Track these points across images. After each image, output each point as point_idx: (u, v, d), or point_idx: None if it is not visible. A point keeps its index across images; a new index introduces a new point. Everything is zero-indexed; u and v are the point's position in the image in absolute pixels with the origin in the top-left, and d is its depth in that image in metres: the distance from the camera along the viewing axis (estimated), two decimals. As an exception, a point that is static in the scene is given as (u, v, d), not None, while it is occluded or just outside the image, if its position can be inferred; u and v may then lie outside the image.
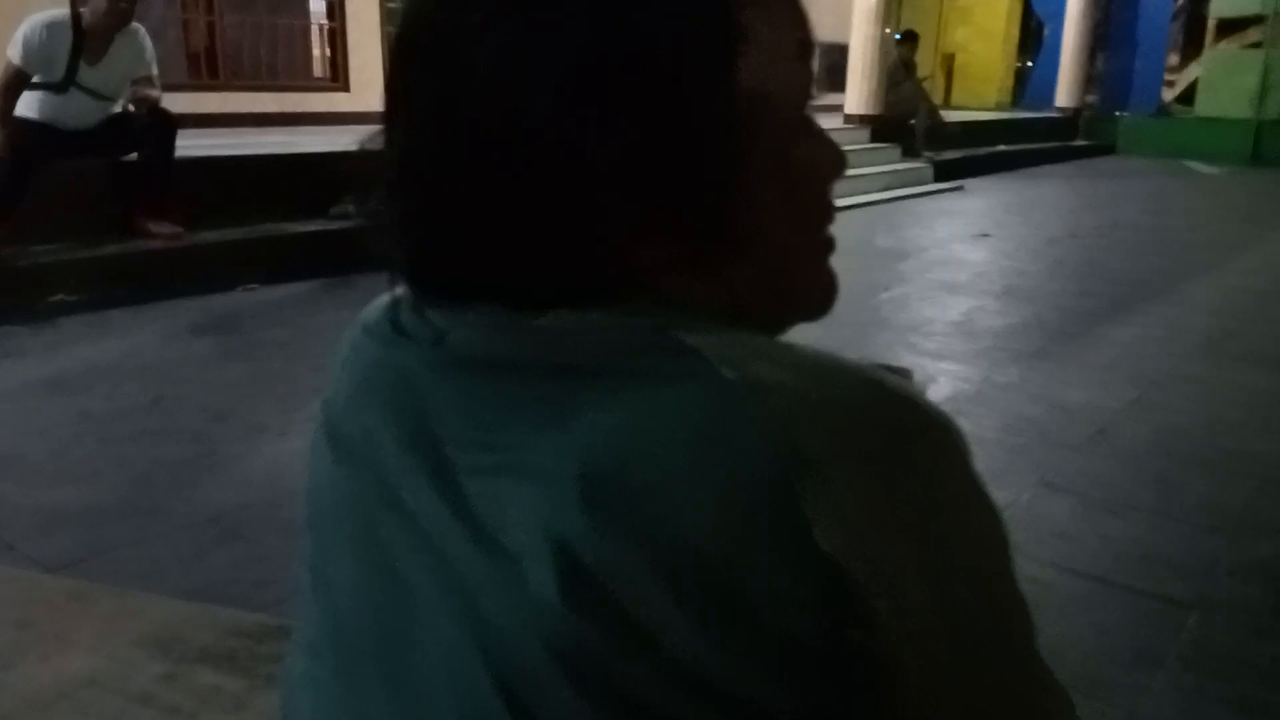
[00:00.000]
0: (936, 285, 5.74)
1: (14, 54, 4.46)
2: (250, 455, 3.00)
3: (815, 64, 0.50)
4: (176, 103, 5.09)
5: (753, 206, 0.47)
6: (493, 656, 0.42)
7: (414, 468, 0.47)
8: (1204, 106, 14.17)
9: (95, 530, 2.51)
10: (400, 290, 0.51)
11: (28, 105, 4.58)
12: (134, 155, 4.90)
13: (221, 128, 6.79)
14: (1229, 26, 14.00)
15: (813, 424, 0.40)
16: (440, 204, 0.47)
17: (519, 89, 0.44)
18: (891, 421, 0.42)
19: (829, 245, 0.55)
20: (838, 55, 11.24)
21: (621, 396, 0.42)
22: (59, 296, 4.33)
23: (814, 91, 0.51)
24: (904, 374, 0.80)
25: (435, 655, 0.44)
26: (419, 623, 0.45)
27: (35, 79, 4.54)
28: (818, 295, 0.54)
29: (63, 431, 3.13)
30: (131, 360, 3.86)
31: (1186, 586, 2.43)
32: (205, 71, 8.14)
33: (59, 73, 4.55)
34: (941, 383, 3.91)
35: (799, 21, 0.50)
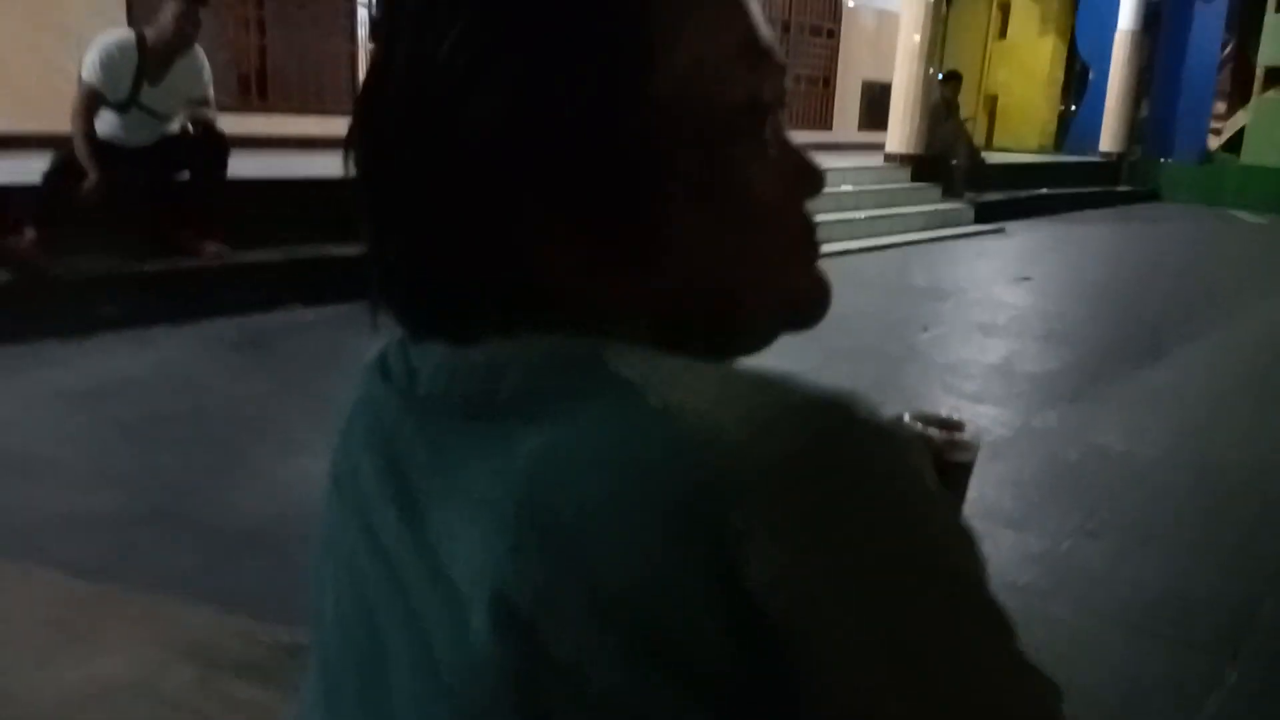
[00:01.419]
0: (975, 327, 5.69)
1: (89, 75, 4.57)
2: (283, 469, 3.02)
3: (772, 64, 0.48)
4: (225, 124, 5.18)
5: (679, 213, 0.46)
6: (453, 703, 0.41)
7: (386, 501, 0.47)
8: (1250, 155, 14.02)
9: (127, 536, 2.53)
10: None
11: (99, 123, 4.69)
12: (185, 174, 4.99)
13: (268, 149, 6.90)
14: (1277, 75, 13.89)
15: (736, 452, 0.38)
16: (384, 227, 0.48)
17: (432, 90, 0.44)
18: (821, 444, 0.39)
19: (806, 254, 0.53)
20: (880, 93, 11.26)
21: (549, 428, 0.41)
22: (102, 310, 4.40)
23: (768, 94, 0.48)
24: (956, 425, 0.76)
25: (405, 701, 0.44)
26: (391, 664, 0.45)
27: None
28: (796, 304, 0.52)
29: (97, 439, 3.17)
30: (168, 373, 3.91)
31: (1225, 635, 2.38)
32: (255, 93, 8.29)
33: (123, 92, 4.65)
34: (980, 425, 3.87)
35: (740, 22, 0.47)
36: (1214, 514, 3.13)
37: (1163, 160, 14.88)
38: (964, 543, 0.42)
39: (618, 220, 0.45)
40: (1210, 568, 2.75)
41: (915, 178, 10.14)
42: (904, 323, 5.77)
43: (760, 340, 0.52)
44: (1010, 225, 10.27)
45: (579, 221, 0.45)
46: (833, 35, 13.04)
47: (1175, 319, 6.25)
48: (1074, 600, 2.53)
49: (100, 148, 4.60)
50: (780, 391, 0.41)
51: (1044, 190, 12.00)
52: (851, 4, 13.03)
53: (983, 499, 3.16)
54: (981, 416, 3.99)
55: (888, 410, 0.80)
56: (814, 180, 0.52)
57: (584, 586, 0.38)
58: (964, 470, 0.75)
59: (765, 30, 0.48)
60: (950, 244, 8.98)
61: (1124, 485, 3.30)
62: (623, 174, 0.45)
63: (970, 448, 0.74)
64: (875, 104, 12.23)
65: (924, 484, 0.41)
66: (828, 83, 13.16)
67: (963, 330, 5.59)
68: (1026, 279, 7.34)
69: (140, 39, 4.67)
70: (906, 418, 0.76)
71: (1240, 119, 15.06)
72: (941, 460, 0.74)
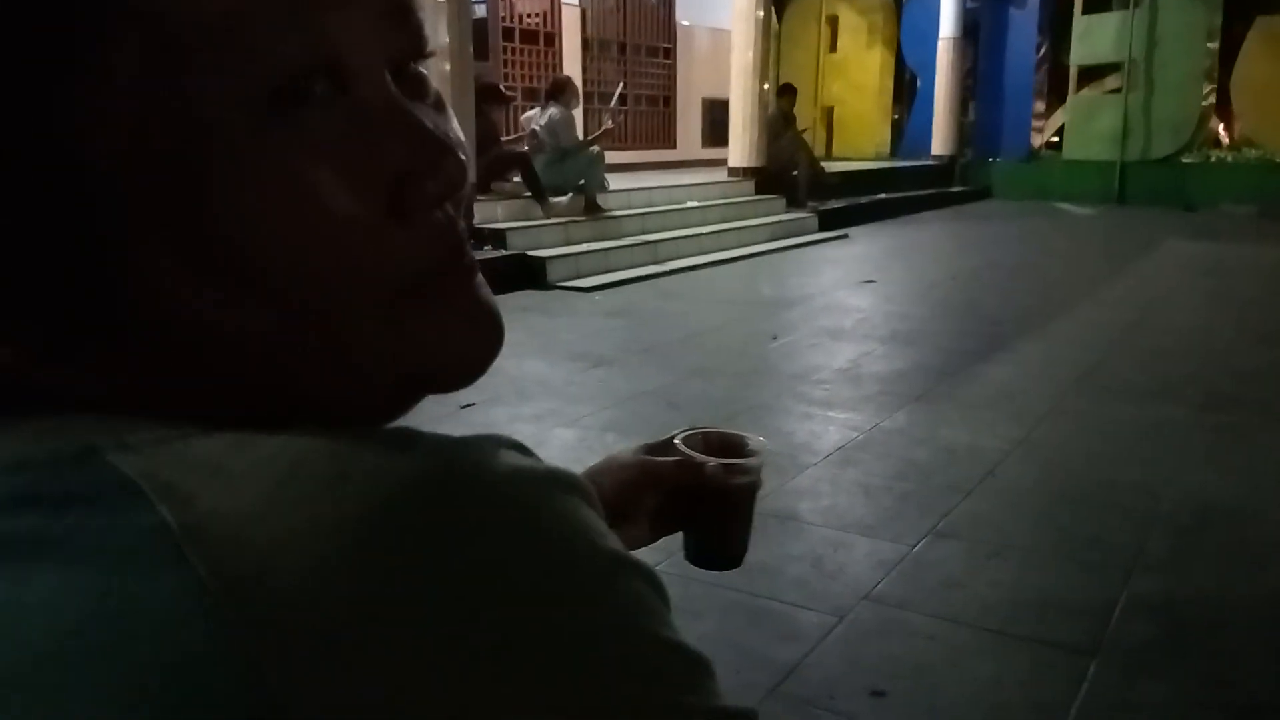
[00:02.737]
0: (823, 332, 5.71)
1: None
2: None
3: (249, 49, 0.30)
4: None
5: (142, 275, 0.31)
6: None
7: None
8: (1071, 150, 14.77)
9: None
10: None
11: None
12: None
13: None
14: (1089, 74, 14.68)
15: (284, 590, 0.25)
16: None
17: None
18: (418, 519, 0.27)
19: (376, 303, 0.34)
20: (720, 110, 11.38)
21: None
22: None
23: (264, 84, 0.31)
24: (738, 443, 0.73)
25: None
26: None
27: None
28: (442, 355, 0.36)
29: None
30: None
31: (1083, 631, 2.34)
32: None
33: None
34: (831, 431, 3.83)
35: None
36: (1062, 507, 3.14)
37: (992, 160, 15.54)
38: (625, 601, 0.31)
39: (77, 277, 0.31)
40: (1064, 562, 2.73)
41: (759, 190, 10.29)
42: (754, 333, 5.75)
43: (378, 415, 0.36)
44: (853, 231, 10.50)
45: (19, 288, 0.31)
46: (669, 55, 13.15)
47: (1013, 312, 6.42)
48: (931, 607, 2.46)
49: None
50: (373, 468, 0.28)
51: (883, 195, 12.35)
52: (686, 23, 13.17)
53: (835, 506, 3.09)
54: (832, 421, 3.95)
55: (672, 429, 0.71)
56: (433, 153, 0.34)
57: None
58: (744, 492, 0.72)
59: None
60: (796, 253, 9.08)
61: (972, 483, 3.28)
62: (62, 210, 0.30)
63: (748, 469, 0.71)
64: (717, 121, 12.36)
65: (578, 563, 0.30)
66: (668, 102, 13.25)
67: (811, 337, 5.60)
68: (870, 282, 7.46)
69: None
70: (678, 440, 0.72)
71: (1059, 117, 15.85)
72: (716, 485, 0.70)
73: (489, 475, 0.29)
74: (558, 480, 0.31)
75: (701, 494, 0.70)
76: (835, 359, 5.07)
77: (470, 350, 0.37)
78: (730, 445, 0.73)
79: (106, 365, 0.32)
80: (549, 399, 4.19)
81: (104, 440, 0.28)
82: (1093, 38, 14.09)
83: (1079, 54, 14.37)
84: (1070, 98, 14.86)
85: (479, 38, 9.46)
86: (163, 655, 0.25)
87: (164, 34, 0.29)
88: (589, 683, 0.29)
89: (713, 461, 0.70)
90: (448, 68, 6.60)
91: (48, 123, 0.29)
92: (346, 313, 0.33)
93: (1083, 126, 14.46)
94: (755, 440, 0.73)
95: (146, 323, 0.31)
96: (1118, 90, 14.11)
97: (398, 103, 0.34)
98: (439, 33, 6.61)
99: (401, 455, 0.29)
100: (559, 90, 8.18)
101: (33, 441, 0.30)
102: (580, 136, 8.46)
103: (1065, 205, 13.76)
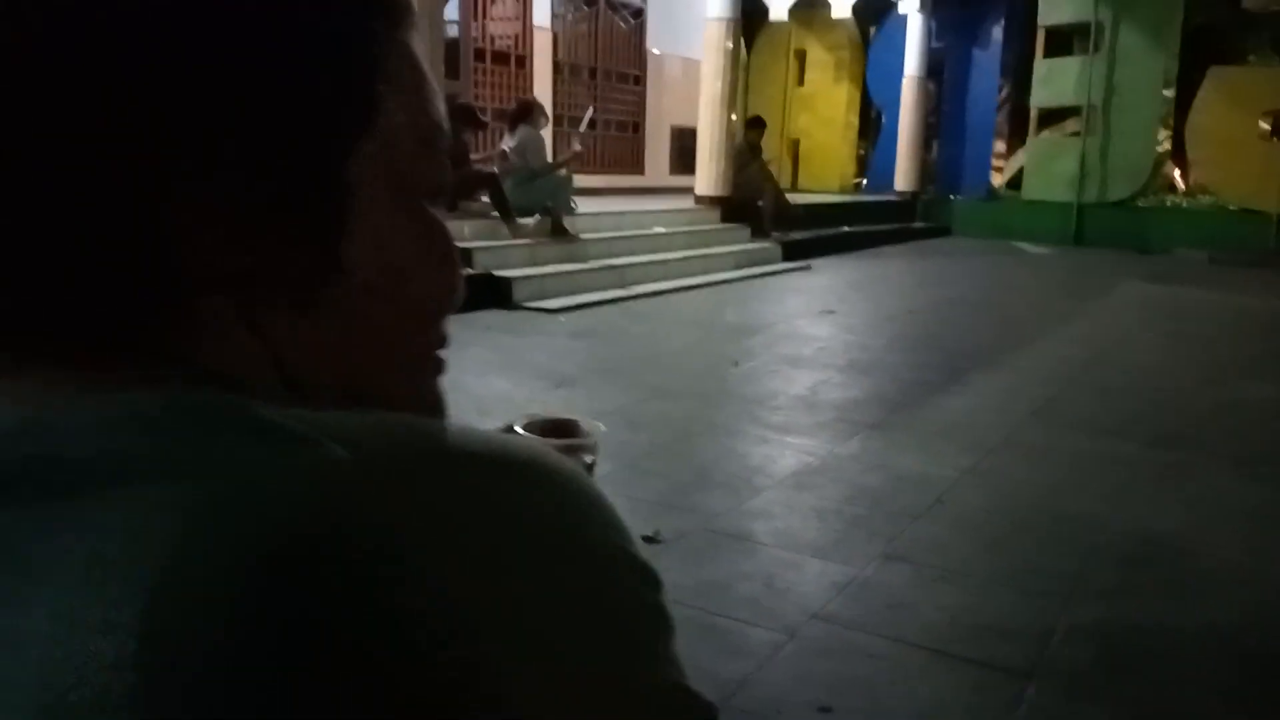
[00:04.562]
0: (782, 359, 5.79)
1: None
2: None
3: (444, 157, 0.46)
4: None
5: (344, 285, 0.41)
6: None
7: None
8: (1030, 191, 15.06)
9: None
10: None
11: None
12: None
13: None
14: (1049, 117, 15.00)
15: (441, 514, 0.34)
16: None
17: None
18: (497, 491, 0.36)
19: (436, 363, 0.48)
20: (689, 138, 11.50)
21: (171, 505, 0.31)
22: None
23: (443, 184, 0.46)
24: (570, 426, 0.78)
25: None
26: None
27: None
28: (417, 410, 0.46)
29: None
30: None
31: (1023, 655, 2.41)
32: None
33: None
34: (787, 456, 3.90)
35: (436, 109, 0.45)
36: (1008, 534, 3.21)
37: (953, 198, 15.80)
38: (635, 591, 0.39)
39: (293, 263, 0.39)
40: (1007, 588, 2.80)
41: (725, 219, 10.39)
42: (715, 358, 5.82)
43: None
44: (816, 262, 10.63)
45: (248, 250, 0.38)
46: (639, 82, 13.28)
47: (970, 347, 6.54)
48: (878, 627, 2.52)
49: None
50: (409, 432, 0.37)
51: (846, 228, 12.52)
52: (656, 51, 13.31)
53: (789, 529, 3.15)
54: (788, 446, 4.02)
55: (487, 422, 0.76)
56: (450, 292, 0.47)
57: None
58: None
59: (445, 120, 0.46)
60: (760, 281, 9.19)
61: (923, 509, 3.36)
62: (318, 215, 0.40)
63: (585, 449, 0.77)
64: (685, 149, 12.48)
65: (606, 537, 0.38)
66: (637, 128, 13.37)
67: (771, 364, 5.68)
68: (831, 313, 7.56)
69: None
70: (518, 427, 0.77)
71: (1019, 158, 16.16)
72: None
73: (548, 460, 0.38)
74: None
75: None
76: (794, 386, 5.14)
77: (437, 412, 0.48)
78: (566, 430, 0.78)
79: (269, 338, 0.40)
80: (511, 416, 4.22)
81: (248, 400, 0.35)
82: (1053, 81, 14.41)
83: (1039, 97, 14.68)
84: (1030, 139, 15.16)
85: (450, 57, 9.53)
86: (346, 549, 0.31)
87: (419, 129, 0.43)
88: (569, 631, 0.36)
89: (554, 443, 0.74)
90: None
91: (340, 153, 0.40)
92: (411, 360, 0.46)
93: (1042, 168, 14.76)
94: (588, 423, 0.78)
95: (318, 303, 0.40)
96: (1077, 134, 14.43)
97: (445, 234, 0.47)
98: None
99: (493, 437, 0.38)
100: (525, 111, 8.24)
101: (180, 396, 0.35)
102: (549, 159, 8.52)
103: (1024, 244, 14.01)
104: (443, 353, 0.48)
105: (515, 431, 0.76)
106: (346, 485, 0.32)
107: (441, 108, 0.46)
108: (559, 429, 0.78)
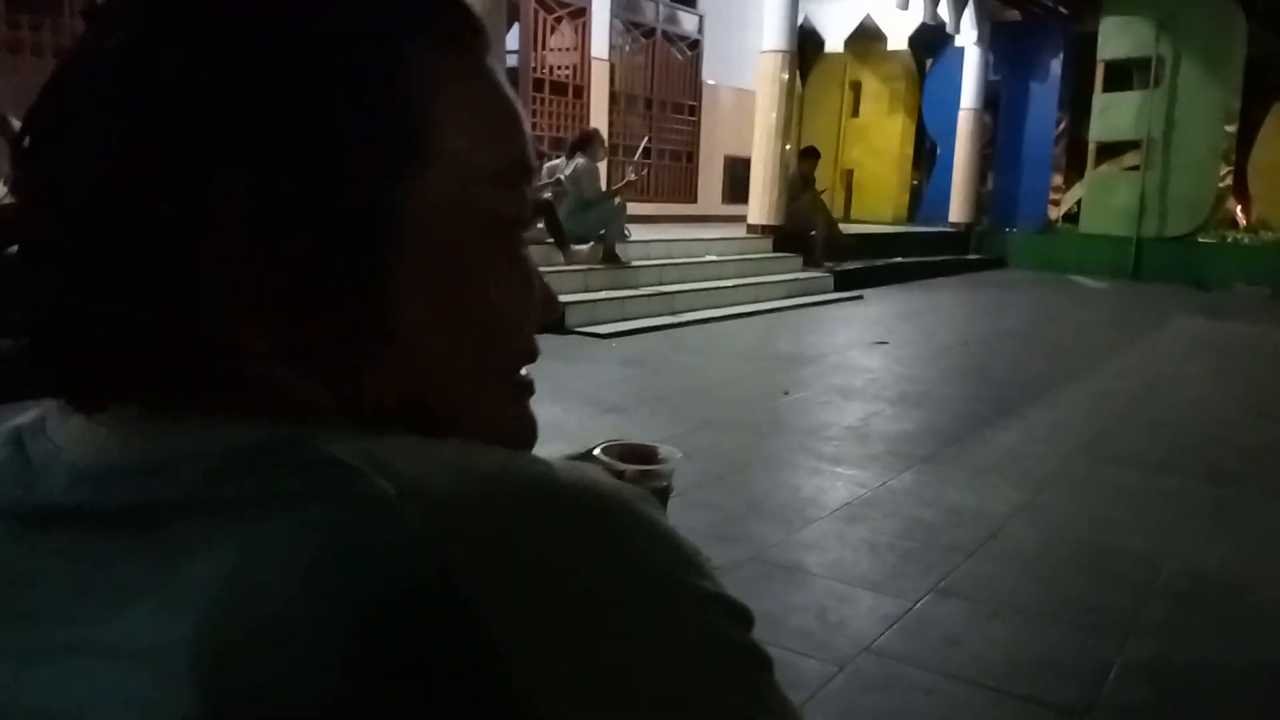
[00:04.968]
0: (834, 390, 5.79)
1: None
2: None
3: (526, 188, 0.46)
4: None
5: (409, 310, 0.41)
6: None
7: None
8: (1087, 224, 14.90)
9: None
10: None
11: None
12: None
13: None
14: (1108, 150, 14.86)
15: (476, 538, 0.34)
16: (42, 259, 0.39)
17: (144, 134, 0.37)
18: (569, 524, 0.36)
19: (519, 386, 0.48)
20: (741, 168, 11.56)
21: (237, 535, 0.34)
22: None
23: (523, 216, 0.46)
24: (648, 452, 0.79)
25: None
26: None
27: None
28: (502, 437, 0.45)
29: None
30: None
31: (1078, 692, 2.39)
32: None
33: None
34: (839, 487, 3.90)
35: (516, 139, 0.45)
36: (1061, 570, 3.19)
37: (1008, 230, 15.68)
38: (716, 620, 0.40)
39: (343, 304, 0.39)
40: (1061, 624, 2.79)
41: (776, 248, 10.41)
42: (766, 388, 5.83)
43: None
44: (868, 292, 10.60)
45: (293, 296, 0.38)
46: (694, 112, 13.36)
47: (1022, 379, 6.49)
48: (930, 662, 2.52)
49: None
50: (505, 465, 0.38)
51: (899, 259, 12.47)
52: (711, 82, 13.41)
53: (841, 561, 3.16)
54: (840, 477, 4.02)
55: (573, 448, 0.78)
56: (551, 307, 0.49)
57: None
58: (657, 496, 0.77)
59: (532, 151, 0.46)
60: (811, 311, 9.19)
61: (976, 544, 3.34)
62: (362, 257, 0.39)
63: (662, 475, 0.77)
64: (737, 178, 12.53)
65: (676, 564, 0.39)
66: (690, 157, 13.44)
67: (822, 394, 5.68)
68: (883, 343, 7.54)
69: None
70: (598, 452, 0.78)
71: (1077, 191, 16.01)
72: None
73: (622, 493, 0.40)
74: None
75: None
76: (845, 417, 5.14)
77: (529, 443, 0.49)
78: (644, 455, 0.78)
79: (319, 368, 0.40)
80: (561, 443, 4.23)
81: (311, 434, 0.36)
82: (1112, 115, 14.28)
83: (1098, 130, 14.55)
84: (1088, 173, 15.02)
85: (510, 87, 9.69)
86: (388, 575, 0.32)
87: (491, 159, 0.43)
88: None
89: (632, 469, 0.75)
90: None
91: (392, 190, 0.40)
92: (500, 387, 0.47)
93: (1100, 201, 14.61)
94: (666, 450, 0.79)
95: (378, 339, 0.41)
96: (1136, 167, 14.27)
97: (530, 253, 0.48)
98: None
99: (541, 462, 0.38)
100: (585, 142, 8.36)
101: (249, 433, 0.37)
102: (604, 187, 8.62)
103: (1080, 278, 13.86)
104: (528, 375, 0.48)
105: (594, 456, 0.77)
106: (392, 524, 0.33)
107: (525, 137, 0.45)
108: (637, 455, 0.78)
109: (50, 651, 0.35)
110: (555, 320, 0.50)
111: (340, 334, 0.40)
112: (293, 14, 0.38)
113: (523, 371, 0.48)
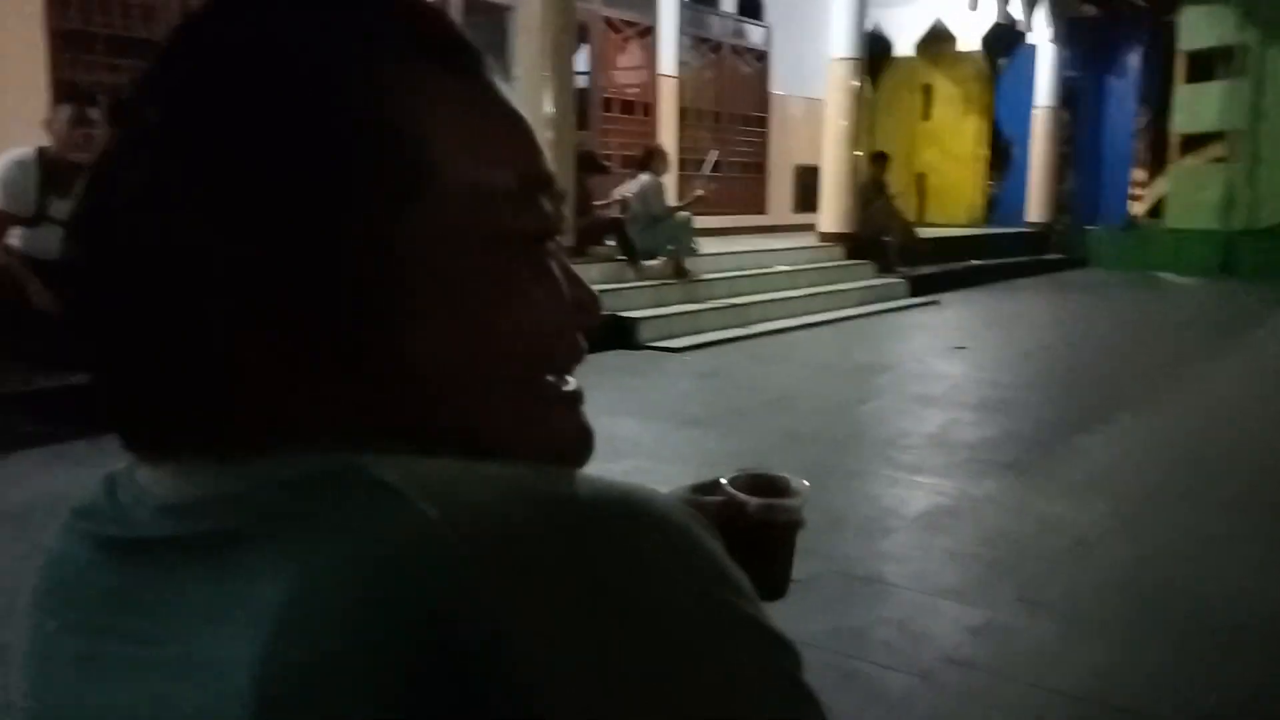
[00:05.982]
0: (913, 398, 5.72)
1: None
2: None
3: (545, 200, 0.46)
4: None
5: (431, 338, 0.42)
6: None
7: (71, 671, 0.42)
8: (1172, 219, 14.48)
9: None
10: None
11: (12, 239, 4.64)
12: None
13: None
14: (1192, 142, 14.43)
15: (509, 560, 0.35)
16: (98, 330, 0.42)
17: (171, 189, 0.40)
18: (614, 550, 0.37)
19: (566, 398, 0.48)
20: (811, 176, 11.49)
21: (294, 560, 0.36)
22: (24, 428, 4.25)
23: (546, 227, 0.46)
24: (780, 484, 0.77)
25: None
26: None
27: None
28: (553, 449, 0.47)
29: (16, 567, 3.02)
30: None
31: (1170, 710, 2.33)
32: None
33: (30, 208, 4.59)
34: (919, 496, 3.85)
35: (525, 152, 0.45)
36: (1158, 585, 3.10)
37: (1089, 228, 15.31)
38: (769, 652, 0.40)
39: (365, 354, 0.41)
40: (1150, 642, 2.71)
41: (849, 256, 10.32)
42: (843, 397, 5.78)
43: None
44: (944, 297, 10.44)
45: (315, 350, 0.41)
46: (762, 123, 13.32)
47: (1109, 385, 6.33)
48: (1014, 673, 2.47)
49: (27, 260, 4.54)
50: (547, 488, 0.39)
51: (976, 262, 12.25)
52: (779, 93, 13.37)
53: (923, 571, 3.12)
54: (920, 486, 3.97)
55: (728, 471, 0.78)
56: (589, 310, 0.49)
57: None
58: (784, 530, 0.76)
59: (547, 159, 0.47)
60: (887, 318, 9.09)
61: (1064, 555, 3.27)
62: (367, 295, 0.41)
63: (790, 509, 0.75)
64: (807, 187, 12.46)
65: (726, 594, 0.39)
66: (760, 168, 13.41)
67: (901, 402, 5.61)
68: (961, 349, 7.42)
69: (41, 152, 4.64)
70: (723, 481, 0.76)
71: (1161, 185, 15.57)
72: (759, 523, 0.74)
73: (659, 510, 0.39)
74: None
75: (745, 531, 0.73)
76: (925, 425, 5.07)
77: (586, 452, 0.49)
78: (773, 487, 0.76)
79: (355, 404, 0.42)
80: (640, 458, 4.28)
81: (362, 458, 0.38)
82: (1195, 107, 13.88)
83: (1181, 123, 14.17)
84: (1172, 166, 14.61)
85: (580, 107, 9.79)
86: (425, 603, 0.34)
87: (502, 173, 0.44)
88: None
89: (755, 501, 0.74)
90: (551, 136, 6.86)
91: (399, 220, 0.41)
92: (544, 401, 0.47)
93: (1186, 195, 14.20)
94: (796, 482, 0.77)
95: (404, 376, 0.42)
96: (1222, 159, 13.83)
97: (564, 256, 0.49)
98: (544, 103, 6.89)
99: (582, 481, 0.39)
100: (649, 158, 8.41)
101: (301, 463, 0.39)
102: (671, 202, 8.65)
103: (1166, 275, 13.47)
104: (576, 385, 0.49)
105: (722, 485, 0.76)
106: (431, 549, 0.34)
107: (537, 149, 0.46)
108: (769, 486, 0.76)
109: (132, 666, 0.39)
110: (600, 322, 0.49)
111: (367, 379, 0.41)
112: (290, 86, 0.40)
113: (570, 382, 0.49)
